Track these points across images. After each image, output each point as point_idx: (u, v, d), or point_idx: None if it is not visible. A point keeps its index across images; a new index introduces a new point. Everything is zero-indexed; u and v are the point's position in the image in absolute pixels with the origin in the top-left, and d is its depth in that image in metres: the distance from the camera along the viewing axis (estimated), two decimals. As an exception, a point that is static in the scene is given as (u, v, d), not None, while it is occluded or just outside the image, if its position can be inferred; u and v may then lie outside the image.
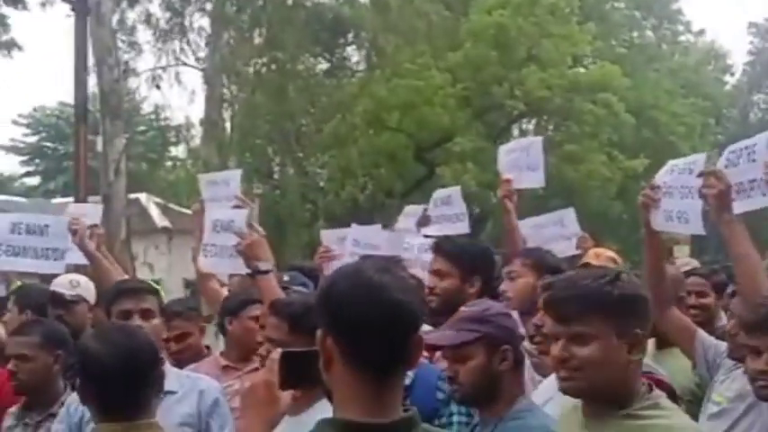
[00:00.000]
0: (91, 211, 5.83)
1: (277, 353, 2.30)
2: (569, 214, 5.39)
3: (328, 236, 5.68)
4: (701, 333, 3.88)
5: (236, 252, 4.45)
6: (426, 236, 5.58)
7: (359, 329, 1.99)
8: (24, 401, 4.15)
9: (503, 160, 5.52)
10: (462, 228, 5.57)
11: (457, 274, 4.02)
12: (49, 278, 5.33)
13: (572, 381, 2.50)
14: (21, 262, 5.13)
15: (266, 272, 4.22)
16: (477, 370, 2.99)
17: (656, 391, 2.54)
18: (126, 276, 5.37)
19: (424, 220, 5.75)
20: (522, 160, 5.40)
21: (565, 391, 2.55)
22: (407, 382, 2.96)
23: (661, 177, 3.82)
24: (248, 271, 4.39)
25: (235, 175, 5.66)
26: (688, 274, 5.24)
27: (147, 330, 3.44)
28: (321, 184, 26.93)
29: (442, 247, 4.24)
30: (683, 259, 9.30)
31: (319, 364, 2.05)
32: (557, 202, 23.58)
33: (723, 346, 3.78)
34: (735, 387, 3.51)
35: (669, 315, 3.83)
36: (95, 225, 5.50)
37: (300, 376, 2.27)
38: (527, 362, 3.38)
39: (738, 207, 3.65)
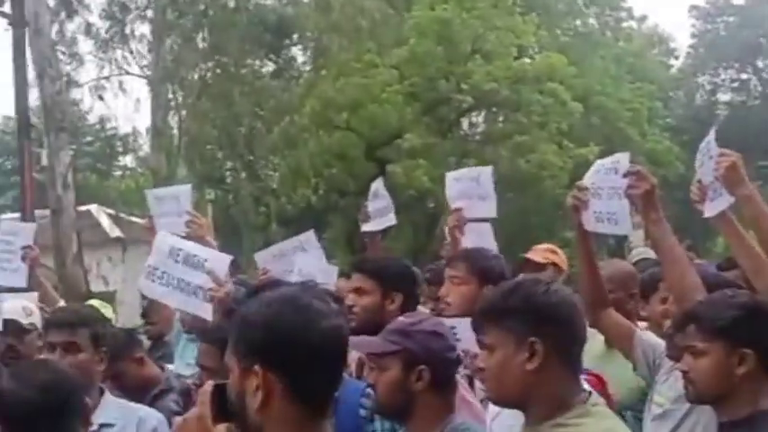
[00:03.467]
0: (23, 231, 5.54)
1: (209, 385, 2.18)
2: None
3: (264, 257, 5.23)
4: (640, 333, 3.74)
5: (204, 295, 4.22)
6: (365, 232, 5.45)
7: (309, 363, 1.90)
8: None
9: (452, 188, 5.27)
10: (389, 220, 5.48)
11: (377, 291, 3.89)
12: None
13: (486, 390, 2.56)
14: None
15: None
16: (390, 383, 2.93)
17: (594, 398, 2.48)
18: (61, 304, 5.16)
19: (364, 216, 5.55)
20: (472, 190, 5.18)
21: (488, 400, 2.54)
22: None
23: (589, 178, 3.69)
24: (209, 318, 4.19)
25: (185, 191, 5.20)
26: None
27: (70, 363, 3.38)
28: (273, 186, 26.75)
29: (362, 264, 4.13)
30: (637, 249, 8.37)
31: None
32: (511, 194, 23.77)
33: (663, 345, 3.63)
34: (677, 386, 3.34)
35: (605, 317, 3.72)
36: (29, 246, 5.32)
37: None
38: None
39: (712, 208, 3.52)
